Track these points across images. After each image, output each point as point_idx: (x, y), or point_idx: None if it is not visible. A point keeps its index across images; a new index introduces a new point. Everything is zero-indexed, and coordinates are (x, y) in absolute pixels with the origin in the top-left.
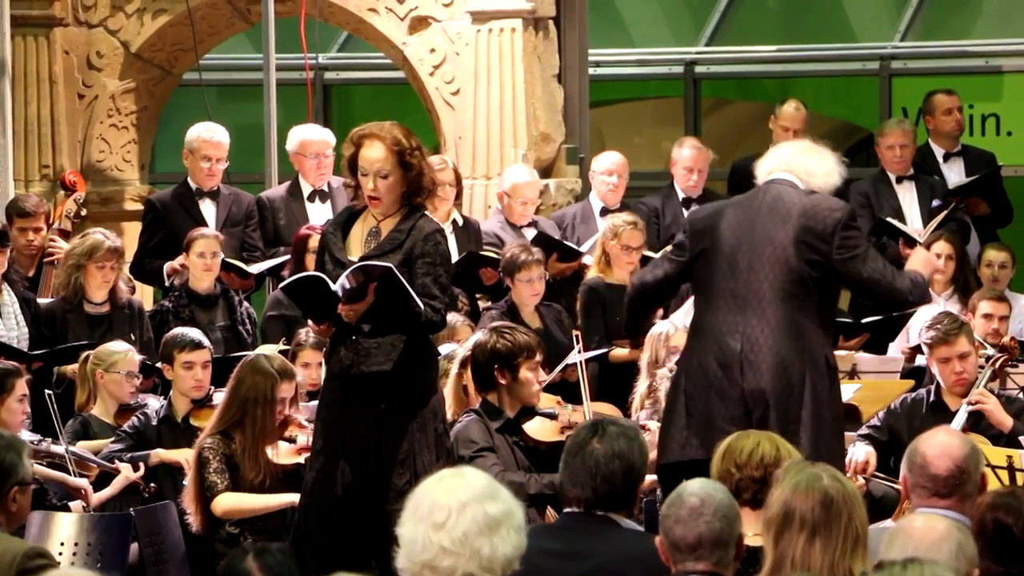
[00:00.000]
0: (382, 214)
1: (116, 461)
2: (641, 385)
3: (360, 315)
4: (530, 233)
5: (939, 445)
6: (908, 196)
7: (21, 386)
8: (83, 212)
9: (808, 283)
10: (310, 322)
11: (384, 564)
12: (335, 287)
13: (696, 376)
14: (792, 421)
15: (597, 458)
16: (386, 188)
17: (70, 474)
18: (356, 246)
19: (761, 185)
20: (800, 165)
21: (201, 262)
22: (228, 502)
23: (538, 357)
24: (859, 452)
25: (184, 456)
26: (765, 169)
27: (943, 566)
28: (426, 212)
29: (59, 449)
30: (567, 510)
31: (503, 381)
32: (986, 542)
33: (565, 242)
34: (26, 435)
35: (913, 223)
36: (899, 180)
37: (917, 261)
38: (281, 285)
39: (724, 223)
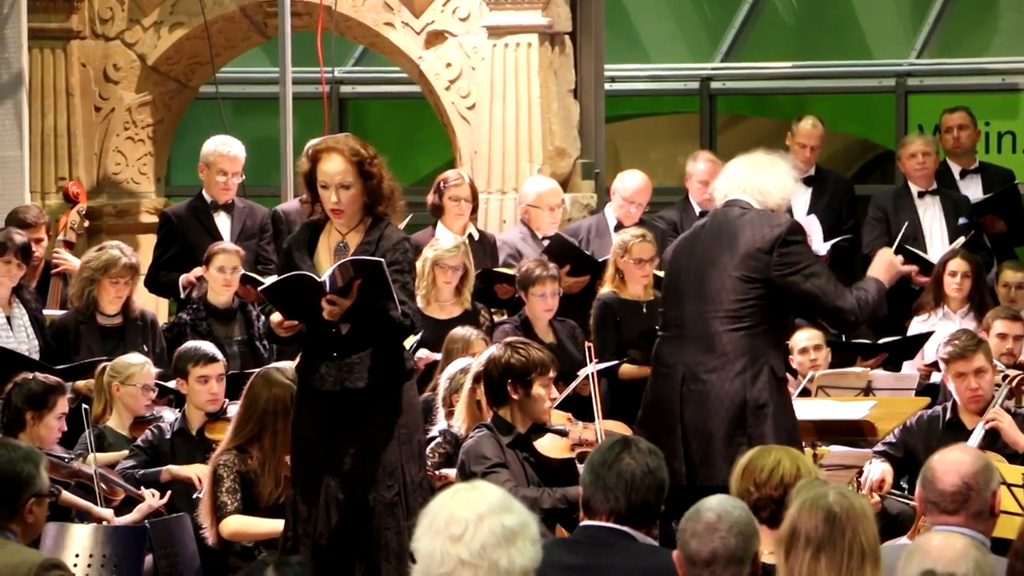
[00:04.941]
0: (345, 226)
1: (140, 487)
2: None
3: (342, 312)
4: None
5: (949, 461)
6: (930, 212)
7: (63, 404)
8: (86, 224)
9: (756, 303)
10: (275, 318)
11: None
12: (323, 278)
13: (646, 410)
14: (735, 445)
15: (633, 472)
16: (348, 199)
17: (96, 495)
18: (326, 263)
19: (713, 211)
20: (753, 185)
21: (221, 276)
22: (235, 525)
23: (551, 374)
24: (875, 470)
25: (195, 472)
26: (721, 191)
27: None
28: (391, 221)
29: (89, 470)
30: (586, 523)
31: (515, 396)
32: None
33: (581, 249)
34: (58, 451)
35: (933, 239)
36: (921, 195)
37: (879, 265)
38: (262, 288)
39: (674, 252)
